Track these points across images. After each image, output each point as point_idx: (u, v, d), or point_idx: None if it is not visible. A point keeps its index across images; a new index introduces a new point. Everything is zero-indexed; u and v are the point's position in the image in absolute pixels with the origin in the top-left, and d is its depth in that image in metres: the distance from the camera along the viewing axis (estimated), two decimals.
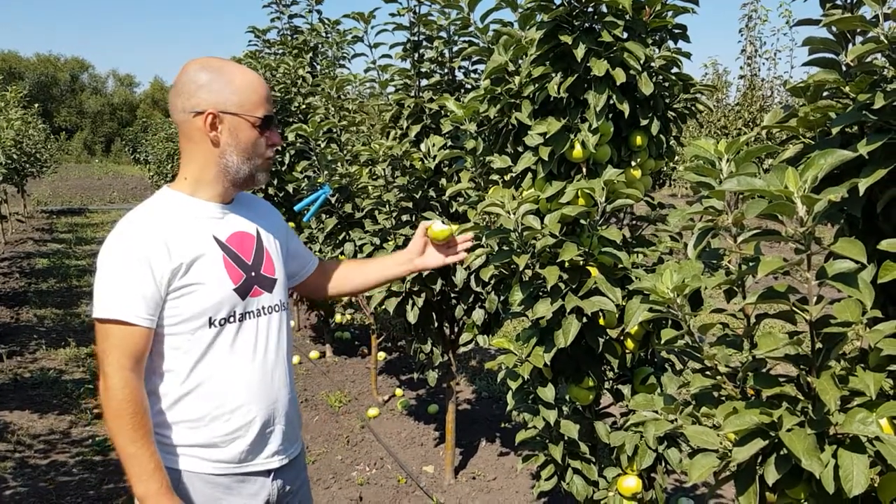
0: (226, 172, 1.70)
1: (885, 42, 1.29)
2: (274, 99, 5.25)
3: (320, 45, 5.94)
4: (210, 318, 1.64)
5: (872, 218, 1.46)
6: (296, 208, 3.79)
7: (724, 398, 1.52)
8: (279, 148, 1.81)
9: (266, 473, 1.76)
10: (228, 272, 1.67)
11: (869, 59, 1.46)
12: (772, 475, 1.34)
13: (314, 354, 6.60)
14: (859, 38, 1.45)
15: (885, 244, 1.35)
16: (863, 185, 1.31)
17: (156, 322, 1.61)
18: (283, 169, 5.37)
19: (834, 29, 1.46)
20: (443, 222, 2.08)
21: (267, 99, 1.70)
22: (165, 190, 1.74)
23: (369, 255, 3.50)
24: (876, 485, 1.39)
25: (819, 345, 1.32)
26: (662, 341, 1.59)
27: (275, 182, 5.40)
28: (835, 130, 1.44)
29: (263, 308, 1.75)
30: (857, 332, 1.40)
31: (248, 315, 1.71)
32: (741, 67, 12.40)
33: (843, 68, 1.50)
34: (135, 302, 1.57)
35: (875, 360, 1.36)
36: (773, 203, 1.19)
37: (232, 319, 1.68)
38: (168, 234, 1.62)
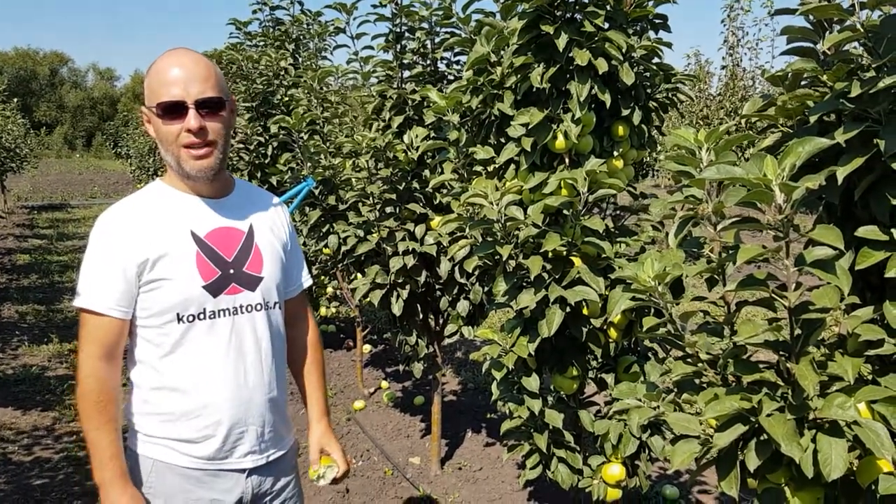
0: (169, 165, 1.69)
1: (861, 30, 1.30)
2: (256, 91, 5.26)
3: (302, 37, 5.91)
4: (178, 314, 1.64)
5: (850, 205, 1.47)
6: (279, 200, 3.76)
7: (705, 385, 1.53)
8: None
9: (240, 471, 1.75)
10: (199, 269, 1.66)
11: (846, 48, 1.47)
12: (752, 460, 1.36)
13: None
14: (837, 27, 1.47)
15: (863, 231, 1.37)
16: (841, 173, 1.32)
17: (130, 313, 1.64)
18: (267, 161, 5.35)
19: (812, 18, 1.47)
20: (330, 469, 1.93)
21: (175, 82, 1.59)
22: (156, 182, 1.74)
23: (352, 248, 3.49)
24: (855, 469, 1.42)
25: (798, 331, 1.34)
26: (644, 329, 1.60)
27: (258, 175, 5.38)
28: (813, 119, 1.45)
29: (242, 307, 1.72)
30: (836, 319, 1.42)
31: (221, 313, 1.69)
32: (723, 58, 12.48)
33: (821, 57, 1.51)
34: (106, 293, 1.61)
35: (853, 345, 1.38)
36: (752, 191, 1.20)
37: (202, 316, 1.66)
38: (141, 228, 1.63)
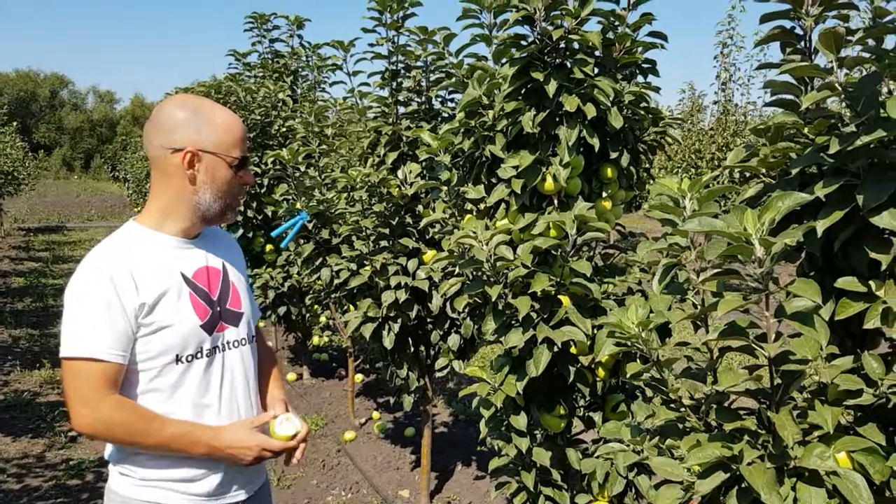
0: (197, 209, 1.71)
1: (839, 89, 1.34)
2: (254, 122, 5.32)
3: (301, 69, 5.98)
4: (177, 356, 1.65)
5: (831, 255, 1.50)
6: (273, 234, 3.79)
7: (688, 430, 1.55)
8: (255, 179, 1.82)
9: None
10: (195, 308, 1.68)
11: (826, 104, 1.51)
12: None
13: (291, 376, 6.57)
14: (818, 81, 1.51)
15: (842, 282, 1.40)
16: (820, 227, 1.35)
17: (128, 358, 1.61)
18: (263, 191, 5.38)
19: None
20: (290, 421, 1.79)
21: (243, 139, 1.73)
22: (131, 224, 1.73)
23: (345, 281, 3.51)
24: None
25: (778, 380, 1.36)
26: (628, 374, 1.62)
27: (254, 205, 5.41)
28: (794, 171, 1.48)
29: (229, 343, 1.76)
30: (815, 368, 1.44)
31: (215, 350, 1.72)
32: (715, 93, 12.61)
33: (804, 111, 1.55)
34: (105, 339, 1.57)
35: (833, 394, 1.40)
36: (733, 245, 1.23)
37: (199, 356, 1.69)
38: (134, 270, 1.61)
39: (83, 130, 57.13)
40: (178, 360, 1.66)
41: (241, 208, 5.41)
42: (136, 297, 1.60)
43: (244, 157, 1.73)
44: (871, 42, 1.38)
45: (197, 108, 1.68)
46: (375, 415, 5.57)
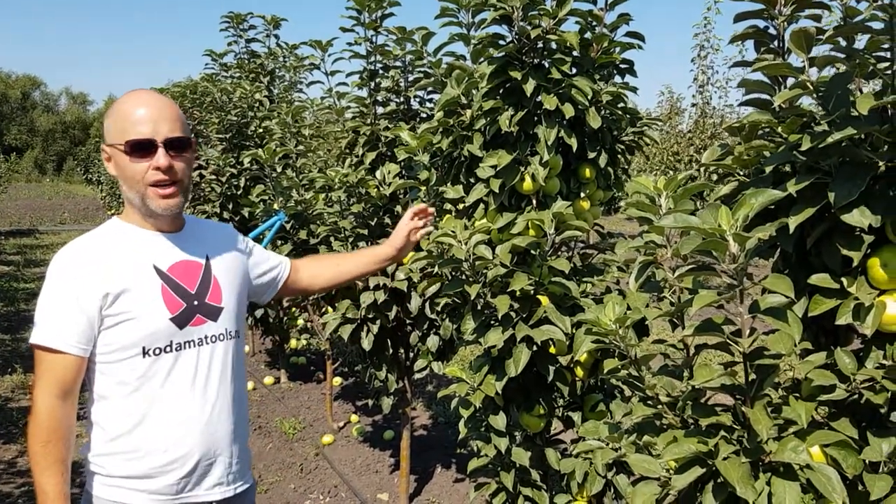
0: (131, 203, 1.71)
1: (811, 88, 1.36)
2: (230, 122, 5.28)
3: (278, 70, 5.95)
4: (144, 348, 1.64)
5: (805, 252, 1.52)
6: (250, 235, 3.76)
7: (665, 427, 1.56)
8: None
9: None
10: (166, 302, 1.67)
11: (799, 102, 1.53)
12: (709, 502, 1.38)
13: (269, 380, 6.52)
14: (791, 80, 1.53)
15: (815, 279, 1.42)
16: (792, 223, 1.37)
17: (89, 351, 1.62)
18: (239, 193, 5.34)
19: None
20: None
21: (140, 121, 1.61)
22: (113, 219, 1.75)
23: None
24: None
25: (753, 376, 1.37)
26: (605, 371, 1.63)
27: (230, 206, 5.37)
28: (768, 169, 1.50)
29: (206, 337, 1.74)
30: (790, 364, 1.46)
31: (187, 345, 1.70)
32: (693, 95, 12.74)
33: (777, 109, 1.57)
34: (65, 330, 1.59)
35: (807, 390, 1.42)
36: (707, 240, 1.24)
37: (168, 349, 1.67)
38: (103, 264, 1.63)
39: (55, 132, 56.37)
40: (144, 353, 1.64)
41: (217, 209, 5.37)
42: (101, 287, 1.60)
43: (139, 140, 1.61)
44: (842, 42, 1.40)
45: (119, 101, 1.68)
46: (354, 418, 5.54)
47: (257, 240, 4.18)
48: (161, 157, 1.62)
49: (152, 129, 1.62)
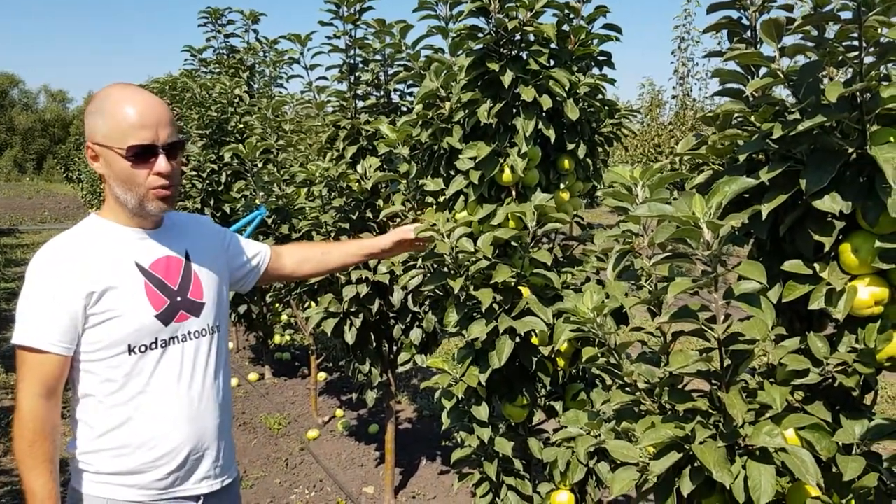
0: (118, 201, 1.69)
1: (782, 77, 1.38)
2: (210, 118, 5.25)
3: (257, 65, 5.92)
4: (129, 346, 1.64)
5: (779, 240, 1.55)
6: (231, 229, 3.75)
7: (643, 413, 1.58)
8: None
9: (195, 499, 1.75)
10: (150, 299, 1.67)
11: (773, 90, 1.55)
12: (686, 486, 1.40)
13: (253, 376, 6.51)
14: (763, 69, 1.55)
15: (788, 265, 1.44)
16: (765, 209, 1.39)
17: (72, 349, 1.61)
18: (220, 189, 5.32)
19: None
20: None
21: (142, 126, 1.59)
22: (92, 216, 1.74)
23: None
24: (785, 494, 1.47)
25: (728, 361, 1.39)
26: (584, 359, 1.64)
27: (211, 202, 5.34)
28: (741, 157, 1.52)
29: (190, 333, 1.75)
30: (764, 350, 1.48)
31: (171, 341, 1.71)
32: (674, 87, 12.81)
33: (749, 99, 1.59)
34: (48, 329, 1.58)
35: (782, 374, 1.44)
36: (682, 228, 1.26)
37: (154, 346, 1.67)
38: (86, 262, 1.62)
39: (35, 131, 55.62)
40: (130, 350, 1.64)
41: (199, 205, 5.34)
42: (85, 286, 1.59)
43: (141, 145, 1.60)
44: (813, 31, 1.42)
45: (104, 98, 1.64)
46: (339, 412, 5.54)
47: (238, 233, 4.17)
48: (163, 163, 1.63)
49: (154, 135, 1.61)
